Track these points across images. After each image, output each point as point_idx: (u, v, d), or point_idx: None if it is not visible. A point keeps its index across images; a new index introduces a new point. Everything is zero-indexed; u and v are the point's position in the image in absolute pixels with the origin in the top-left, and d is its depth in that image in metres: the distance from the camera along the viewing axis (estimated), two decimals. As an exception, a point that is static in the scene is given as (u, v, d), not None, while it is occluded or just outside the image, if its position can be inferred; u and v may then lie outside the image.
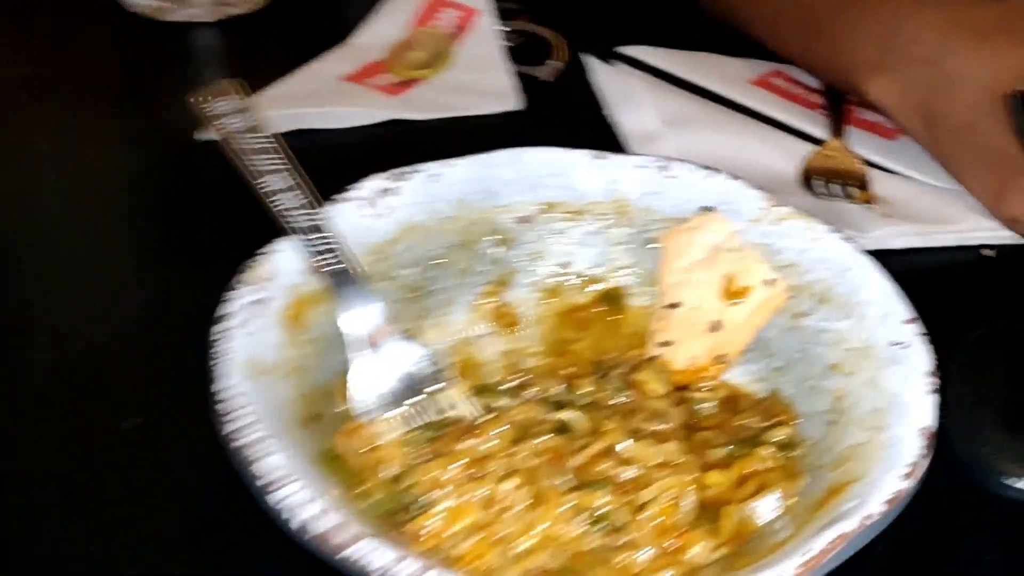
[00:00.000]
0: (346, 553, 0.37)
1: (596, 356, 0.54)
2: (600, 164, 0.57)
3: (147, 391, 0.55)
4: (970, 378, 0.47)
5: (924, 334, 0.47)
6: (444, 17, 0.84)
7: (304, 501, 0.38)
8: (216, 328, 0.45)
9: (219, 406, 0.41)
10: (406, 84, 0.79)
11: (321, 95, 0.78)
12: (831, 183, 0.71)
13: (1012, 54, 0.66)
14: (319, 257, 0.48)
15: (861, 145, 0.75)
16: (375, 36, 0.83)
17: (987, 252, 0.68)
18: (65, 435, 0.52)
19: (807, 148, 0.75)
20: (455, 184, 0.55)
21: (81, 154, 0.75)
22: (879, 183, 0.72)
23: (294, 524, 0.38)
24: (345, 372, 0.49)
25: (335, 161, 0.61)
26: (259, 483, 0.39)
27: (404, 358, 0.49)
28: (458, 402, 0.49)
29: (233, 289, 0.46)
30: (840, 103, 0.78)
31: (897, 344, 0.47)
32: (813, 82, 0.81)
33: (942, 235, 0.68)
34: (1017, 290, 0.65)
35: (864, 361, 0.48)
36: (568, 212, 0.57)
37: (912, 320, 0.48)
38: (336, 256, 0.48)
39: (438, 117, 0.77)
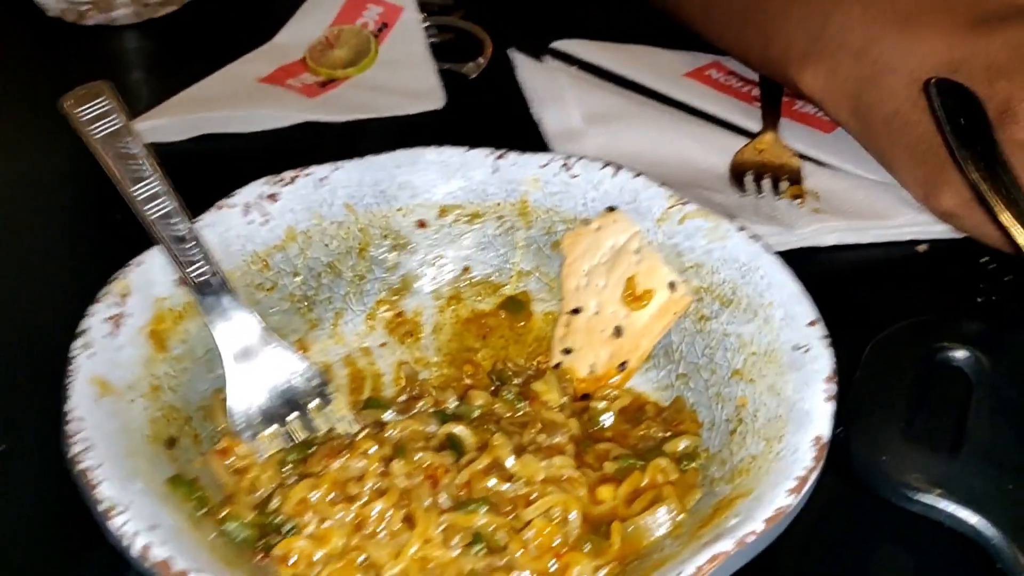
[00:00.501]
0: None
1: (498, 365, 0.52)
2: (501, 164, 0.55)
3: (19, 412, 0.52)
4: (876, 382, 0.45)
5: (826, 337, 0.45)
6: (367, 15, 0.82)
7: (140, 529, 0.36)
8: (73, 346, 0.43)
9: (65, 428, 0.39)
10: (326, 84, 0.78)
11: (237, 97, 0.76)
12: (761, 178, 0.69)
13: (935, 42, 0.64)
14: (187, 268, 0.46)
15: (795, 138, 0.73)
16: (296, 35, 0.81)
17: (921, 248, 0.66)
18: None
19: (739, 142, 0.73)
20: (344, 187, 0.53)
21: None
22: (813, 177, 0.70)
23: (133, 552, 0.36)
24: (220, 389, 0.47)
25: (245, 166, 0.59)
26: (98, 509, 0.37)
27: (284, 372, 0.47)
28: (339, 418, 0.47)
29: (94, 304, 0.45)
30: (776, 95, 0.76)
31: (799, 348, 0.45)
32: (750, 74, 0.79)
33: (875, 231, 0.67)
34: (949, 287, 0.63)
35: (767, 366, 0.46)
36: (468, 215, 0.55)
37: (815, 322, 0.46)
38: (204, 267, 0.46)
39: (357, 118, 0.75)
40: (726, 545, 0.37)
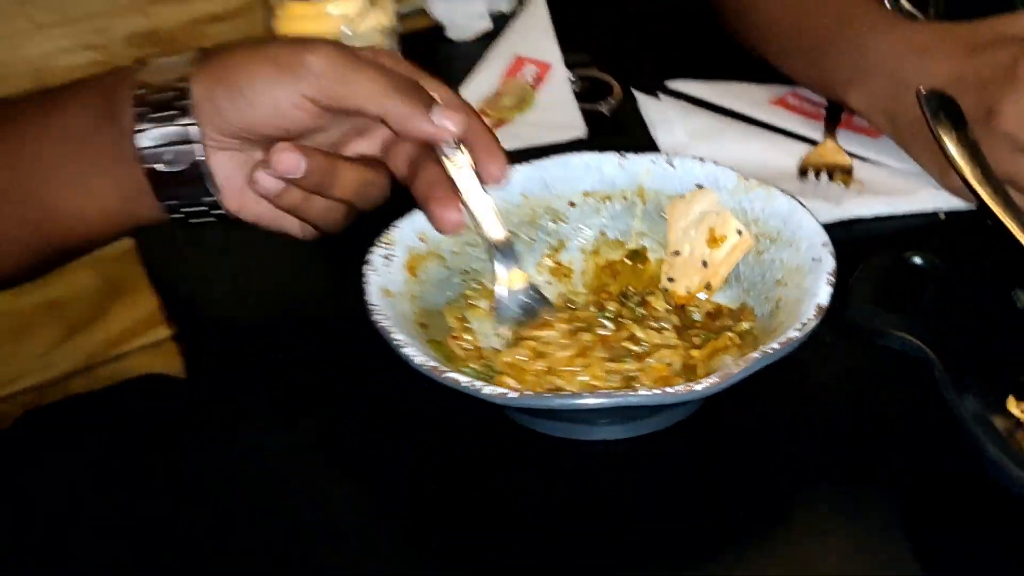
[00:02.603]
0: (445, 376, 0.66)
1: (624, 291, 0.82)
2: (624, 162, 0.85)
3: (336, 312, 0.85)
4: (866, 277, 0.73)
5: (832, 251, 0.73)
6: (526, 71, 1.14)
7: (419, 354, 0.67)
8: (364, 268, 0.75)
9: (370, 310, 0.71)
10: (499, 123, 1.09)
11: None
12: (821, 173, 0.97)
13: (943, 65, 0.91)
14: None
15: (850, 143, 1.01)
16: (476, 88, 1.14)
17: (941, 216, 0.93)
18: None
19: (807, 149, 1.01)
20: (519, 182, 0.83)
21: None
22: (862, 171, 0.98)
23: (415, 364, 0.67)
24: (449, 303, 0.78)
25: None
26: (400, 349, 0.68)
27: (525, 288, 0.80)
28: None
29: (374, 247, 0.76)
30: (837, 112, 1.04)
31: (816, 259, 0.73)
32: (819, 99, 1.07)
33: (905, 204, 0.94)
34: (958, 240, 0.89)
35: (796, 275, 0.75)
36: (602, 197, 0.85)
37: (826, 243, 0.74)
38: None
39: (522, 147, 1.06)
40: (756, 355, 0.65)
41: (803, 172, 0.98)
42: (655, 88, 1.11)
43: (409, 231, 0.79)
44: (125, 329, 1.30)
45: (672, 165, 0.84)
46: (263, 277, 0.93)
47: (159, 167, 0.70)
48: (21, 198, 0.75)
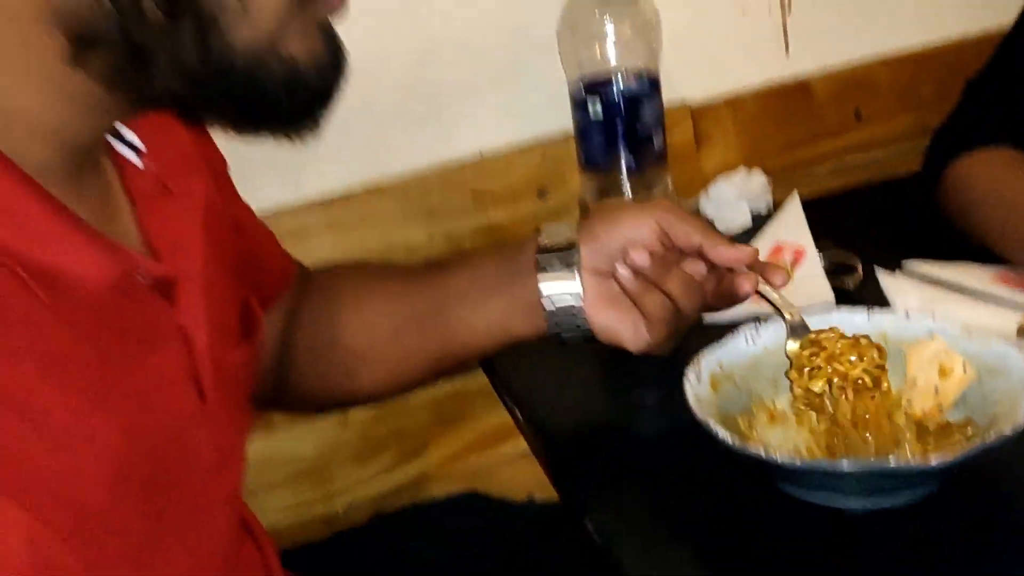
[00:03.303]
0: (746, 448, 0.95)
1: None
2: (871, 315, 1.14)
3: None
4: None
5: (1039, 383, 0.99)
6: (784, 254, 1.45)
7: (725, 435, 0.96)
8: (685, 380, 1.05)
9: (693, 408, 1.01)
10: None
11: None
12: (1036, 332, 1.22)
13: None
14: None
15: (1063, 310, 1.26)
16: (742, 268, 1.45)
17: None
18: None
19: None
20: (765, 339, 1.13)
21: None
22: (1074, 332, 1.23)
23: (726, 443, 0.96)
24: (738, 413, 1.07)
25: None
26: (710, 430, 0.98)
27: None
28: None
29: (688, 366, 1.07)
30: (1052, 286, 1.30)
31: (1024, 386, 1.00)
32: (1035, 276, 1.33)
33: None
34: None
35: (1010, 396, 1.00)
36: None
37: (1033, 377, 1.00)
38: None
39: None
40: (978, 442, 0.91)
41: (1021, 333, 1.23)
42: (892, 268, 1.40)
43: (712, 360, 1.09)
44: (447, 455, 1.64)
45: (909, 318, 1.12)
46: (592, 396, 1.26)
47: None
48: (435, 319, 1.13)
